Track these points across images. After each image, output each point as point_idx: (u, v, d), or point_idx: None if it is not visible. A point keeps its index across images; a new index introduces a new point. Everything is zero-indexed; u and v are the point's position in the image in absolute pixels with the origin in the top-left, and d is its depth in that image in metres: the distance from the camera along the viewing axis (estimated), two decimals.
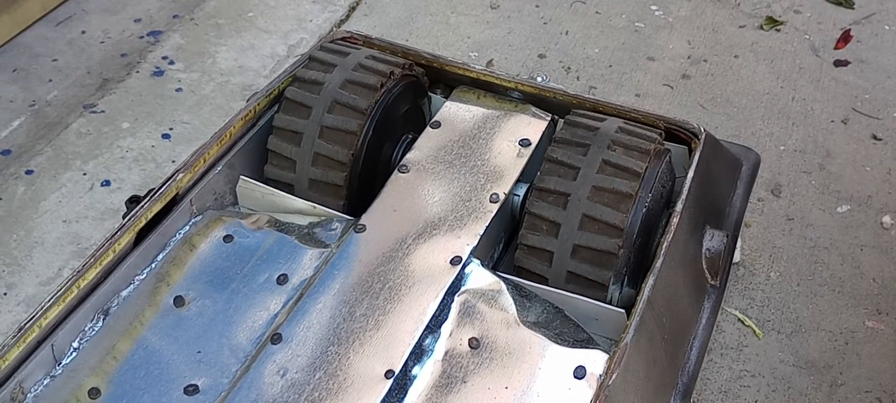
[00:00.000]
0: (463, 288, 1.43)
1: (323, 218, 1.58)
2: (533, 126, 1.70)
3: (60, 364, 1.35)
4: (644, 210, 1.50)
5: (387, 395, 1.30)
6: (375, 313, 1.39)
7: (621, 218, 1.46)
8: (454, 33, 2.71)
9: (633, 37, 2.71)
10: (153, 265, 1.49)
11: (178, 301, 1.43)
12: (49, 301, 1.34)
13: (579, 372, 1.33)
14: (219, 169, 1.62)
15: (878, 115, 2.44)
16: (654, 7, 2.82)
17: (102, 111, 2.43)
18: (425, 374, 1.33)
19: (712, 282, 1.63)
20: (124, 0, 2.80)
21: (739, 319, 1.94)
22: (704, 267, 1.62)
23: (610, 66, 2.60)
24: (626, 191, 1.48)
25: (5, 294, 1.97)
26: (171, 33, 2.70)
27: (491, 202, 1.56)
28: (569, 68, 2.59)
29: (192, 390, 1.32)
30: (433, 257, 1.46)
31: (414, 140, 1.70)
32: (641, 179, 1.49)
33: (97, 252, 1.41)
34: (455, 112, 1.73)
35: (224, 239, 1.52)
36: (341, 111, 1.63)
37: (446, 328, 1.38)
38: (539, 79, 1.77)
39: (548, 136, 1.70)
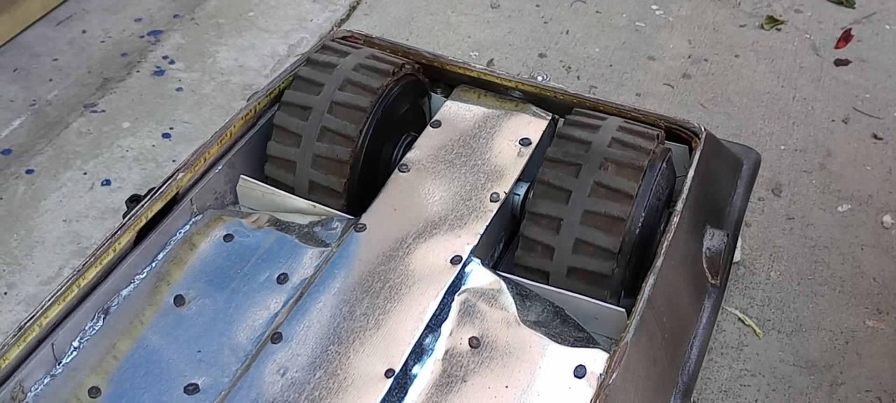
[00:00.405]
0: (463, 288, 1.43)
1: (323, 217, 1.58)
2: (533, 125, 1.70)
3: (61, 363, 1.35)
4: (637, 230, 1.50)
5: (387, 394, 1.30)
6: (376, 312, 1.39)
7: (614, 243, 1.46)
8: (454, 33, 2.71)
9: (633, 36, 2.70)
10: (153, 264, 1.49)
11: (179, 300, 1.43)
12: (49, 300, 1.34)
13: (579, 372, 1.33)
14: (219, 168, 1.62)
15: (879, 115, 2.44)
16: (654, 6, 2.82)
17: (103, 110, 2.43)
18: (425, 373, 1.33)
19: (713, 282, 1.63)
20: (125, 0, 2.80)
21: (740, 318, 1.94)
22: (705, 266, 1.61)
23: (610, 65, 2.60)
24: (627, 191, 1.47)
25: (6, 293, 1.98)
26: (171, 33, 2.70)
27: (491, 201, 1.56)
28: (569, 67, 2.59)
29: (192, 389, 1.32)
30: (433, 256, 1.46)
31: (414, 139, 1.70)
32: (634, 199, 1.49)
33: (97, 251, 1.41)
34: (455, 111, 1.73)
35: (224, 239, 1.52)
36: (341, 113, 1.63)
37: (446, 327, 1.38)
38: (539, 78, 1.77)
39: (548, 136, 1.70)
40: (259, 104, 1.70)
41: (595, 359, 1.34)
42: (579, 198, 1.49)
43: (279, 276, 1.46)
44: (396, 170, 1.62)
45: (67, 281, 1.37)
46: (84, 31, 2.69)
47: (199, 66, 2.58)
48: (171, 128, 2.38)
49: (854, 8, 2.80)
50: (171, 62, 2.59)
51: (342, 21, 2.76)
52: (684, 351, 1.52)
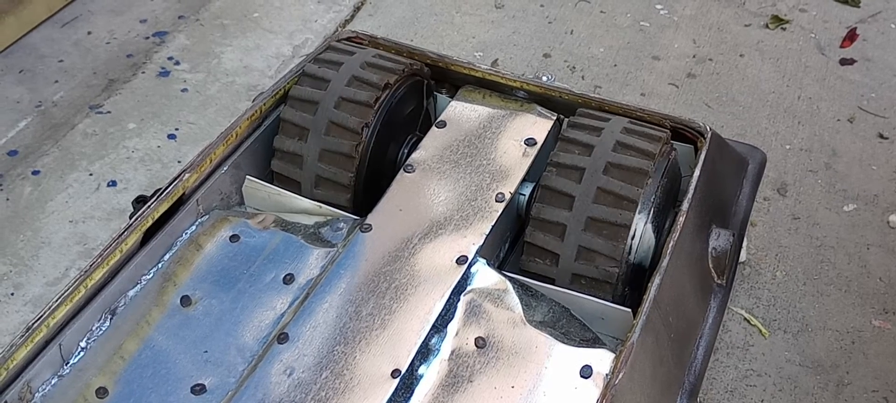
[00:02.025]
0: (469, 288, 1.43)
1: (329, 217, 1.58)
2: (538, 125, 1.70)
3: (68, 363, 1.36)
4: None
5: (393, 394, 1.30)
6: (382, 312, 1.39)
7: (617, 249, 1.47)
8: (459, 33, 2.71)
9: (638, 36, 2.70)
10: (160, 265, 1.49)
11: (185, 300, 1.44)
12: (56, 301, 1.35)
13: (585, 372, 1.33)
14: (225, 169, 1.62)
15: (885, 114, 2.43)
16: (658, 6, 2.82)
17: (108, 112, 2.43)
18: (432, 373, 1.33)
19: (718, 281, 1.63)
20: (130, 1, 2.80)
21: (745, 318, 1.94)
22: (711, 266, 1.61)
23: (615, 65, 2.60)
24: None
25: (12, 294, 1.98)
26: (176, 34, 2.70)
27: (497, 201, 1.56)
28: (574, 67, 2.59)
29: (199, 389, 1.32)
30: (439, 256, 1.47)
31: (419, 139, 1.70)
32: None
33: (104, 252, 1.41)
34: (460, 111, 1.73)
35: (230, 239, 1.53)
36: (348, 108, 1.63)
37: (452, 327, 1.38)
38: (544, 78, 1.76)
39: (553, 135, 1.70)
40: (264, 105, 1.70)
41: (601, 359, 1.34)
42: (583, 204, 1.49)
43: (285, 277, 1.46)
44: (402, 170, 1.62)
45: (74, 282, 1.37)
46: (89, 33, 2.69)
47: (204, 66, 2.59)
48: (177, 129, 2.38)
49: (859, 7, 2.80)
50: (177, 63, 2.60)
51: (347, 22, 2.76)
52: (690, 351, 1.52)
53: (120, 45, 2.66)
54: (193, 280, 1.47)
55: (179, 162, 2.28)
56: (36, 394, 1.32)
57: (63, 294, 1.36)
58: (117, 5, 2.79)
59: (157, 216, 1.50)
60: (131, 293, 1.45)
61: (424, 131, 1.72)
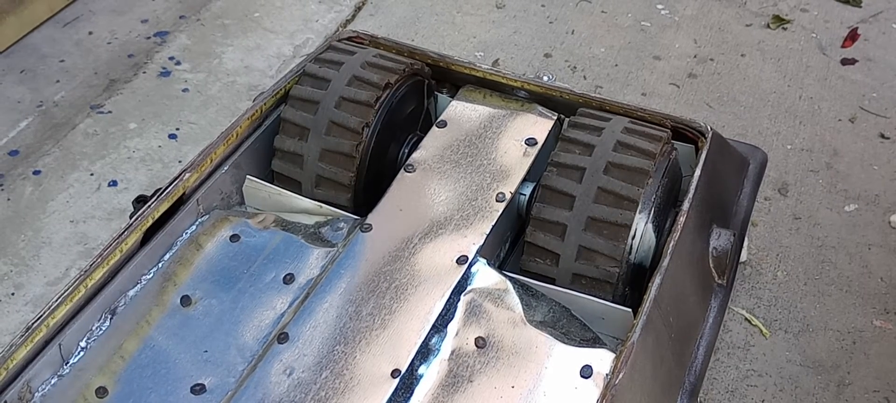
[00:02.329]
0: (469, 288, 1.43)
1: (329, 217, 1.58)
2: (539, 125, 1.70)
3: (68, 363, 1.36)
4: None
5: (393, 394, 1.30)
6: (382, 312, 1.39)
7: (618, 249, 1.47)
8: (460, 33, 2.71)
9: (639, 36, 2.70)
10: (160, 265, 1.49)
11: (185, 300, 1.44)
12: (56, 300, 1.35)
13: (586, 372, 1.33)
14: (225, 168, 1.62)
15: (886, 114, 2.43)
16: (660, 6, 2.82)
17: (109, 111, 2.44)
18: (432, 373, 1.33)
19: (719, 281, 1.62)
20: (131, 1, 2.80)
21: (746, 318, 1.94)
22: (711, 265, 1.61)
23: (616, 65, 2.60)
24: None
25: (13, 294, 1.98)
26: (177, 34, 2.70)
27: (497, 201, 1.56)
28: (575, 67, 2.59)
29: (198, 389, 1.32)
30: (439, 256, 1.46)
31: (420, 139, 1.70)
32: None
33: (104, 251, 1.41)
34: (461, 111, 1.73)
35: (230, 239, 1.53)
36: (348, 107, 1.63)
37: (452, 327, 1.38)
38: (545, 78, 1.76)
39: (554, 135, 1.69)
40: (265, 104, 1.70)
41: (601, 359, 1.34)
42: (583, 204, 1.49)
43: (285, 276, 1.46)
44: (402, 170, 1.62)
45: (74, 282, 1.37)
46: (90, 33, 2.69)
47: (205, 66, 2.59)
48: (178, 129, 2.38)
49: (860, 7, 2.80)
50: (178, 63, 2.60)
51: (347, 22, 2.77)
52: (691, 351, 1.52)
53: (121, 44, 2.66)
54: (193, 279, 1.46)
55: (180, 161, 2.28)
56: (36, 394, 1.32)
57: (63, 293, 1.36)
58: (118, 5, 2.79)
59: (157, 216, 1.50)
60: (131, 293, 1.45)
61: (425, 131, 1.72)
